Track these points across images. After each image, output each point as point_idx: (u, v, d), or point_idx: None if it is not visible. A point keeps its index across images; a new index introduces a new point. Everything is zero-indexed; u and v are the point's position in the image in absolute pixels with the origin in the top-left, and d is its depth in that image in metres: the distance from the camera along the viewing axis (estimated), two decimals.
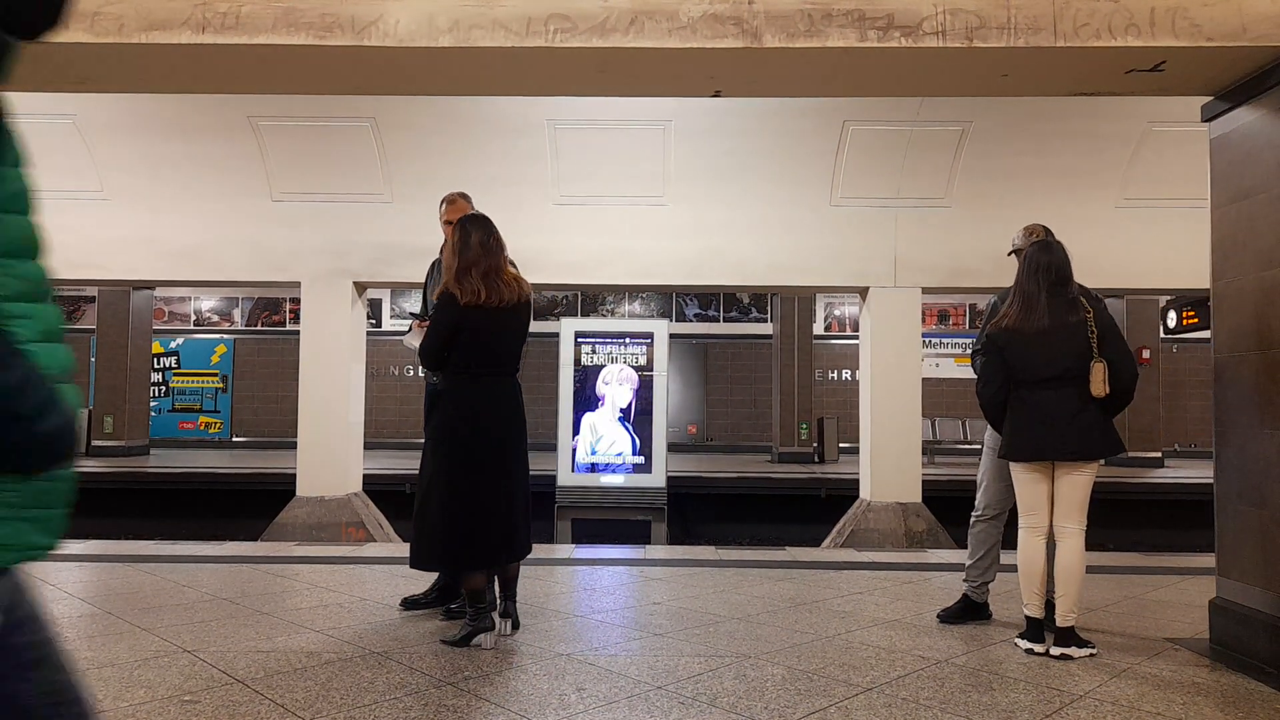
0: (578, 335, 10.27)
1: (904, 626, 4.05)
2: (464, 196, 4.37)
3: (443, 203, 4.38)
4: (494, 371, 3.66)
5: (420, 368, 4.28)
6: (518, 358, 3.78)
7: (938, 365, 18.72)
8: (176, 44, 3.52)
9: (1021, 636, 3.70)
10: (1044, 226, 4.17)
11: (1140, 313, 16.52)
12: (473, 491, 3.56)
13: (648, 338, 10.29)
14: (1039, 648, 3.61)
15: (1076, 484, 3.64)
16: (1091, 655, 3.55)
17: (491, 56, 3.60)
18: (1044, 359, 3.65)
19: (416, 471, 3.87)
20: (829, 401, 18.98)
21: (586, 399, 10.15)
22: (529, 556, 3.92)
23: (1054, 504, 3.70)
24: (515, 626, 3.80)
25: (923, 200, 9.03)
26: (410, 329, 4.27)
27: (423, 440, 4.02)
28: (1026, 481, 3.76)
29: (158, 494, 12.94)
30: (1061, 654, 3.53)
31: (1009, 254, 4.19)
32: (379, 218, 9.04)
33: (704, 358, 19.95)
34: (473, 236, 3.60)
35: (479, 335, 3.58)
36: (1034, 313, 3.66)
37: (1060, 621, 3.59)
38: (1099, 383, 3.58)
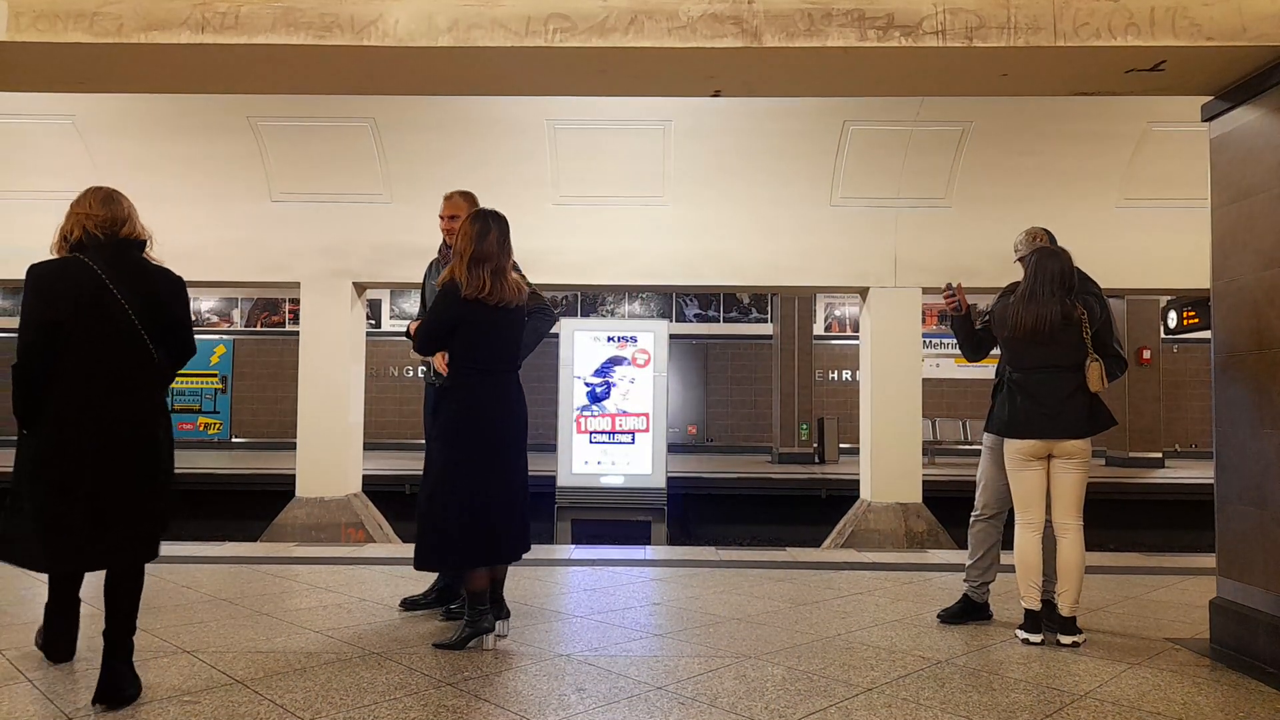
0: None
1: (904, 627, 4.05)
2: (465, 195, 4.34)
3: (443, 201, 4.37)
4: (498, 368, 3.67)
5: (419, 369, 4.27)
6: (518, 356, 3.80)
7: (938, 366, 18.73)
8: (176, 44, 3.51)
9: (1021, 628, 3.84)
10: (1045, 230, 4.18)
11: (1141, 313, 16.51)
12: (486, 488, 3.57)
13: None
14: (1035, 638, 3.76)
15: (1072, 481, 3.79)
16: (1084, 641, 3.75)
17: (491, 56, 3.60)
18: (1042, 354, 3.83)
19: (415, 472, 3.86)
20: (829, 402, 18.96)
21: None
22: (528, 556, 3.92)
23: (1051, 501, 3.85)
24: (507, 615, 3.82)
25: (923, 200, 9.03)
26: (410, 335, 4.23)
27: (423, 441, 4.02)
28: (1021, 477, 3.87)
29: None
30: (1072, 641, 3.69)
31: (1016, 260, 4.19)
32: (378, 218, 9.04)
33: (704, 358, 19.94)
34: (492, 232, 3.60)
35: (479, 330, 3.58)
36: (1040, 317, 3.79)
37: (1066, 612, 3.74)
38: (1095, 380, 3.78)
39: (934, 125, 8.61)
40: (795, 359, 17.48)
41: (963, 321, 4.18)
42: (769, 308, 19.19)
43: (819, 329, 19.46)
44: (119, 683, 2.88)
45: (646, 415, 10.27)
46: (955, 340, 4.31)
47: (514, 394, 3.72)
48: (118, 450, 2.89)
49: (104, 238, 3.01)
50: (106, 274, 2.93)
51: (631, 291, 19.05)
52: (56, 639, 3.31)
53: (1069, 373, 3.79)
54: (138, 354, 2.96)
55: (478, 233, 3.59)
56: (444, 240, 4.36)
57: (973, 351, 4.18)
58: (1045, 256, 3.87)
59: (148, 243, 3.18)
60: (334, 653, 3.49)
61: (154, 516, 3.03)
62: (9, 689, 3.01)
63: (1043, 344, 3.80)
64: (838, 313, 20.07)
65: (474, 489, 3.55)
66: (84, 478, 2.83)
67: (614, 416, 10.26)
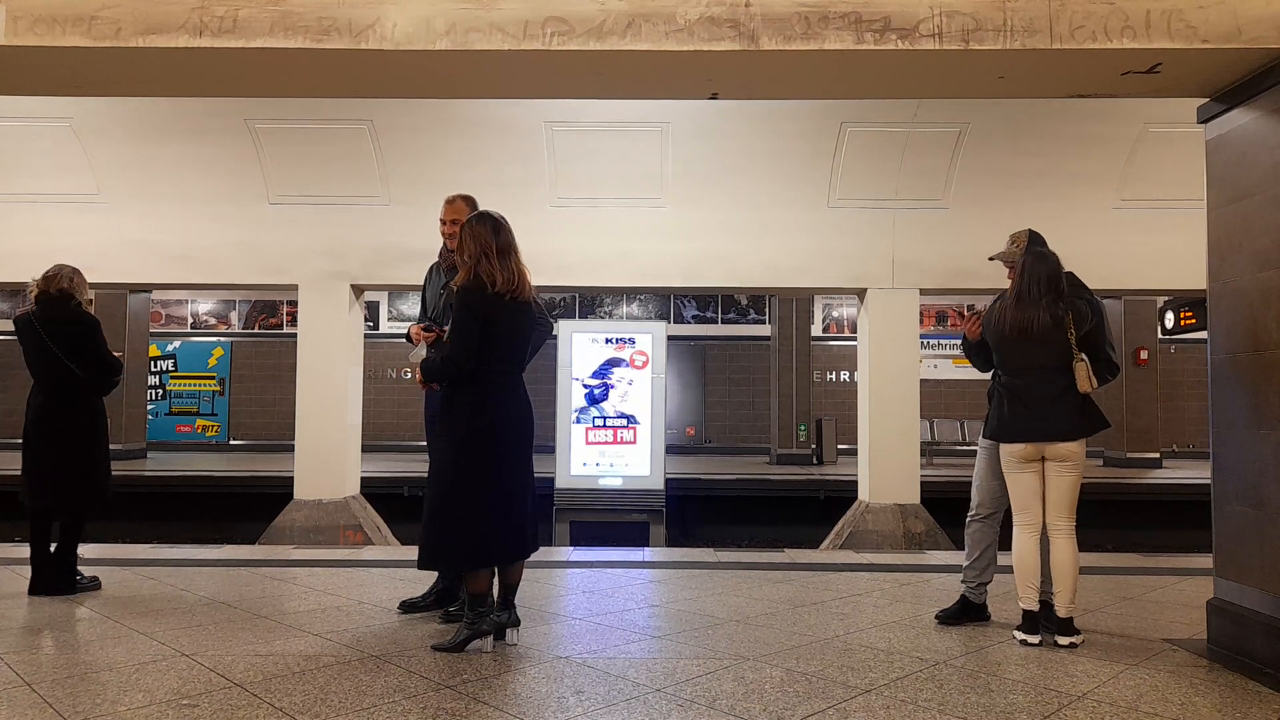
0: None
1: (903, 628, 4.05)
2: (467, 199, 4.33)
3: (444, 204, 4.36)
4: (511, 368, 3.66)
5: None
6: (526, 355, 3.77)
7: (936, 366, 18.72)
8: (174, 48, 3.51)
9: (1018, 629, 3.85)
10: (1029, 230, 4.15)
11: (1138, 313, 16.53)
12: (504, 487, 3.57)
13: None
14: (1033, 639, 3.77)
15: (1064, 483, 3.82)
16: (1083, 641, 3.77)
17: (488, 60, 3.60)
18: (1030, 356, 3.86)
19: (413, 474, 3.85)
20: (827, 403, 18.96)
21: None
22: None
23: (1045, 503, 3.86)
24: (517, 623, 3.73)
25: (920, 201, 9.04)
26: (411, 338, 4.19)
27: (423, 444, 4.00)
28: (1017, 479, 3.89)
29: (155, 497, 12.90)
30: (1069, 642, 3.71)
31: (1007, 265, 4.17)
32: (376, 220, 9.03)
33: (702, 359, 19.95)
34: (505, 226, 3.62)
35: (501, 329, 3.55)
36: (1028, 319, 3.82)
37: (1062, 613, 3.75)
38: (1083, 380, 3.79)
39: (931, 127, 8.62)
40: (793, 360, 17.48)
41: (974, 345, 4.22)
42: (767, 309, 19.20)
43: (817, 330, 19.46)
44: (54, 581, 4.59)
45: (645, 417, 10.27)
46: (952, 341, 4.31)
47: (524, 393, 3.72)
48: (56, 439, 4.62)
49: (42, 296, 4.68)
50: (39, 322, 4.62)
51: (630, 293, 19.06)
52: (37, 575, 4.61)
53: (1057, 374, 3.81)
54: (64, 373, 4.64)
55: (492, 229, 3.58)
56: (444, 244, 4.35)
57: (983, 364, 4.21)
58: (1035, 260, 3.90)
59: (75, 296, 4.72)
60: (333, 655, 3.49)
61: (83, 483, 4.67)
62: (8, 694, 3.01)
63: (1031, 345, 3.82)
64: (836, 313, 20.08)
65: (507, 485, 3.57)
66: (39, 455, 4.64)
67: (612, 418, 10.27)
